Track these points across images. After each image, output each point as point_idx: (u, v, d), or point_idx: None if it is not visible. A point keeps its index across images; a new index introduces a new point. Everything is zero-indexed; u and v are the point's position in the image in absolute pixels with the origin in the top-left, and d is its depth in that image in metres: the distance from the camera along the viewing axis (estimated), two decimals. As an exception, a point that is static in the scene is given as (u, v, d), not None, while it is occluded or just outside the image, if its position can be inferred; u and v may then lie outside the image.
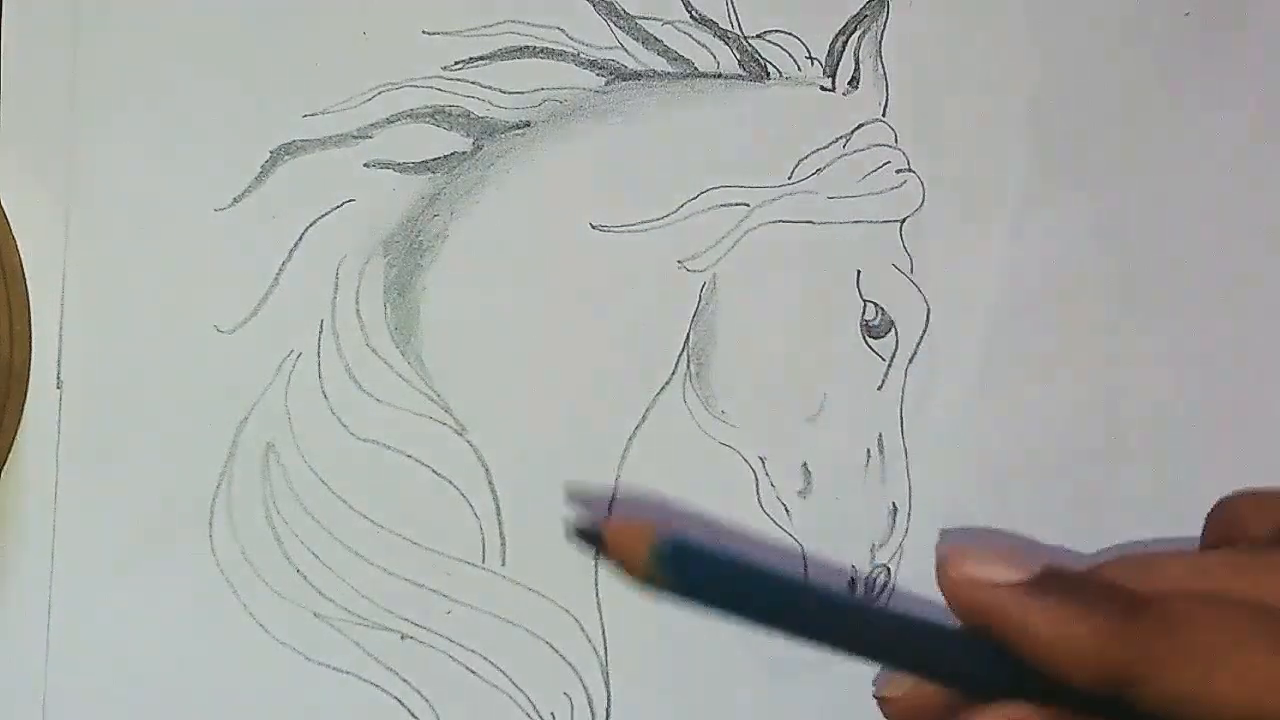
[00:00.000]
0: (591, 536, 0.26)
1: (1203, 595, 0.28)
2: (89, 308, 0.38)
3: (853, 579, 0.40)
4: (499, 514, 0.39)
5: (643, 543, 0.26)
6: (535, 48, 0.40)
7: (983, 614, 0.28)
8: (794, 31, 0.41)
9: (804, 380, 0.40)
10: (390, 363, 0.39)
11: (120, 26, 0.39)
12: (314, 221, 0.39)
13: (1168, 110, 0.42)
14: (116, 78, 0.39)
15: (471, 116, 0.40)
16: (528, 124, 0.40)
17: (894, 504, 0.41)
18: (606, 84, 0.40)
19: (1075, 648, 0.27)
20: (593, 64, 0.40)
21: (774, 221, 0.40)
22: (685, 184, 0.40)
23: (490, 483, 0.39)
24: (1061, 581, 0.28)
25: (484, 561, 0.39)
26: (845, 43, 0.41)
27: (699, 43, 0.40)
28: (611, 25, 0.40)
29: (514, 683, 0.39)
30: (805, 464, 0.40)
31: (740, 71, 0.40)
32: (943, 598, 0.28)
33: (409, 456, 0.39)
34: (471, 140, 0.40)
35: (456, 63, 0.40)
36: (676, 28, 0.40)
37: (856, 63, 0.41)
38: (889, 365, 0.41)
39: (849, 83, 0.41)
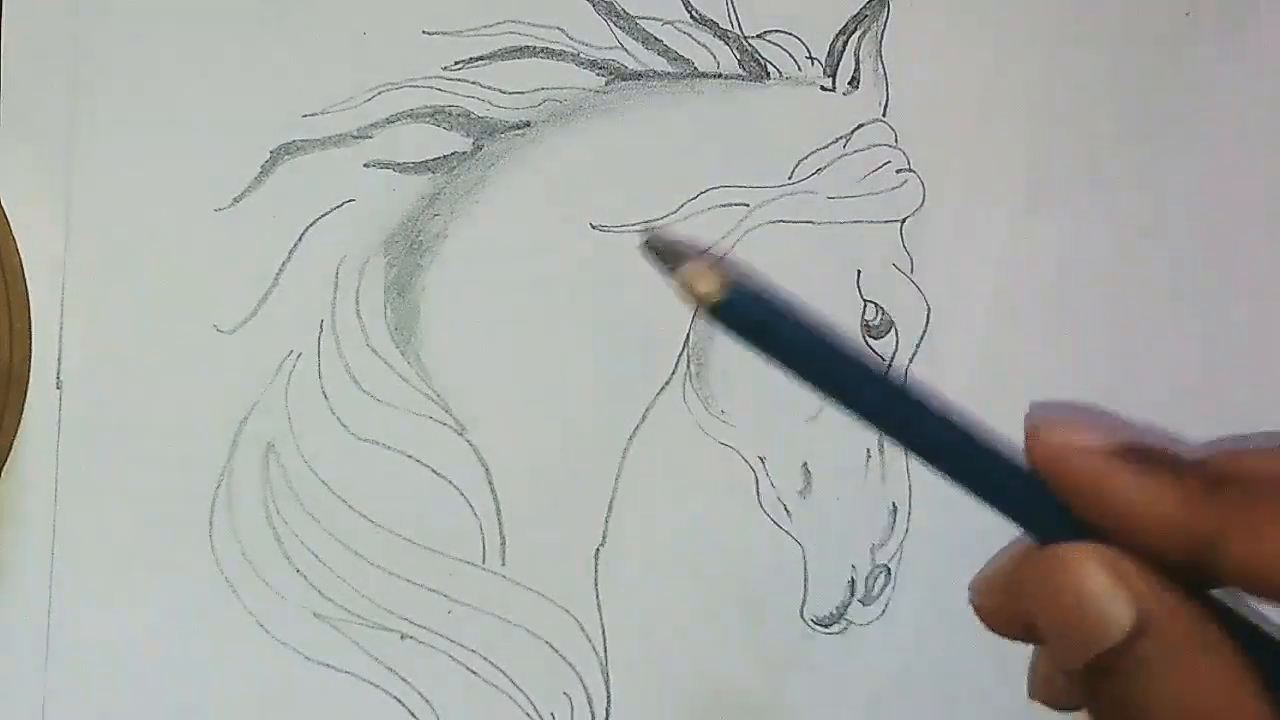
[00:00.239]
0: (666, 257, 0.27)
1: None
2: (89, 307, 0.38)
3: (852, 579, 0.40)
4: (499, 514, 0.39)
5: (713, 284, 0.27)
6: (535, 48, 0.40)
7: (1072, 478, 0.27)
8: (794, 31, 0.41)
9: (804, 380, 0.40)
10: (390, 363, 0.39)
11: (120, 26, 0.39)
12: (314, 221, 0.39)
13: (1168, 110, 0.42)
14: (116, 78, 0.39)
15: (471, 116, 0.40)
16: (528, 124, 0.40)
17: (894, 504, 0.41)
18: (607, 84, 0.40)
19: (1162, 513, 0.27)
20: (593, 64, 0.40)
21: (774, 221, 0.40)
22: (685, 184, 0.40)
23: (490, 483, 0.39)
24: (1149, 452, 0.28)
25: (484, 561, 0.39)
26: (845, 43, 0.41)
27: (699, 43, 0.40)
28: (611, 25, 0.40)
29: (514, 683, 0.39)
30: (805, 464, 0.40)
31: (740, 71, 0.40)
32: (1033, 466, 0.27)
33: (409, 456, 0.39)
34: (471, 140, 0.40)
35: (457, 63, 0.40)
36: (676, 28, 0.40)
37: (857, 63, 0.41)
38: (889, 365, 0.41)
39: (849, 83, 0.41)
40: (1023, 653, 0.29)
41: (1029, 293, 0.41)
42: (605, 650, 0.39)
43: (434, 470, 0.39)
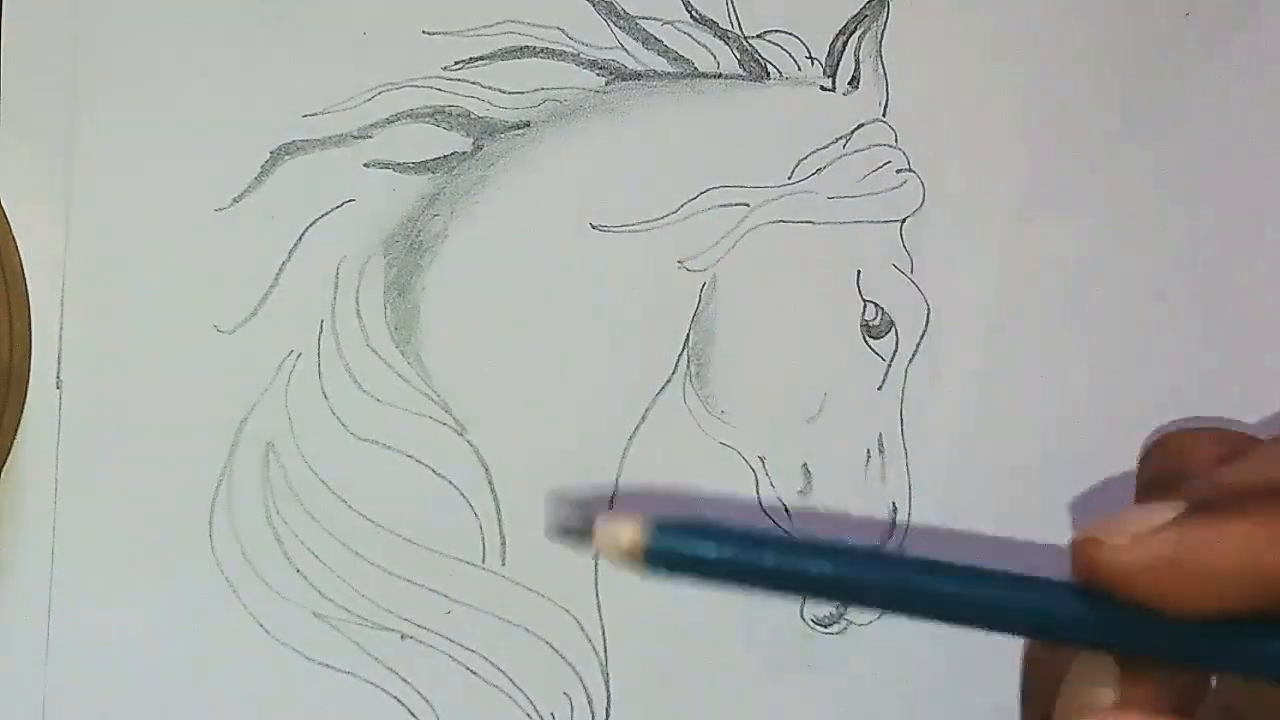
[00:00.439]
0: (581, 535, 0.26)
1: None
2: (89, 307, 0.38)
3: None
4: (499, 514, 0.39)
5: (633, 540, 0.25)
6: (535, 48, 0.40)
7: (1142, 582, 0.24)
8: (794, 31, 0.41)
9: (804, 380, 0.40)
10: (390, 363, 0.39)
11: (120, 26, 0.39)
12: (314, 221, 0.39)
13: (1168, 110, 0.42)
14: (116, 78, 0.39)
15: (471, 116, 0.40)
16: (528, 124, 0.40)
17: (894, 504, 0.41)
18: (607, 84, 0.40)
19: (1259, 564, 0.24)
20: (593, 64, 0.40)
21: (774, 221, 0.40)
22: (685, 184, 0.40)
23: (490, 483, 0.39)
24: (1215, 505, 0.24)
25: (484, 561, 0.39)
26: (845, 42, 0.41)
27: (699, 43, 0.40)
28: (611, 25, 0.40)
29: (514, 683, 0.39)
30: (805, 464, 0.40)
31: (740, 71, 0.40)
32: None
33: (409, 456, 0.39)
34: (471, 140, 0.40)
35: (456, 63, 0.40)
36: (676, 28, 0.40)
37: (857, 62, 0.41)
38: (889, 365, 0.41)
39: (849, 83, 0.41)
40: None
41: (1029, 293, 0.41)
42: (605, 650, 0.39)
43: (434, 470, 0.39)
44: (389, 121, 0.39)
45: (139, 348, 0.38)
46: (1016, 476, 0.41)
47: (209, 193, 0.39)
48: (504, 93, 0.40)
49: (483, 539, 0.39)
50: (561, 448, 0.39)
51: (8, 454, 0.37)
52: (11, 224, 0.38)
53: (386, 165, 0.39)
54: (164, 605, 0.38)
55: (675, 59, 0.40)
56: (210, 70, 0.39)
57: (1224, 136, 0.42)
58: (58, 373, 0.38)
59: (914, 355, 0.41)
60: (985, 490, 0.41)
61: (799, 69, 0.41)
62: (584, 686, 0.39)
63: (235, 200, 0.39)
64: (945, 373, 0.41)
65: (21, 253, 0.38)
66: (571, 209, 0.40)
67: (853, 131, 0.40)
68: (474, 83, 0.40)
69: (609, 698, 0.39)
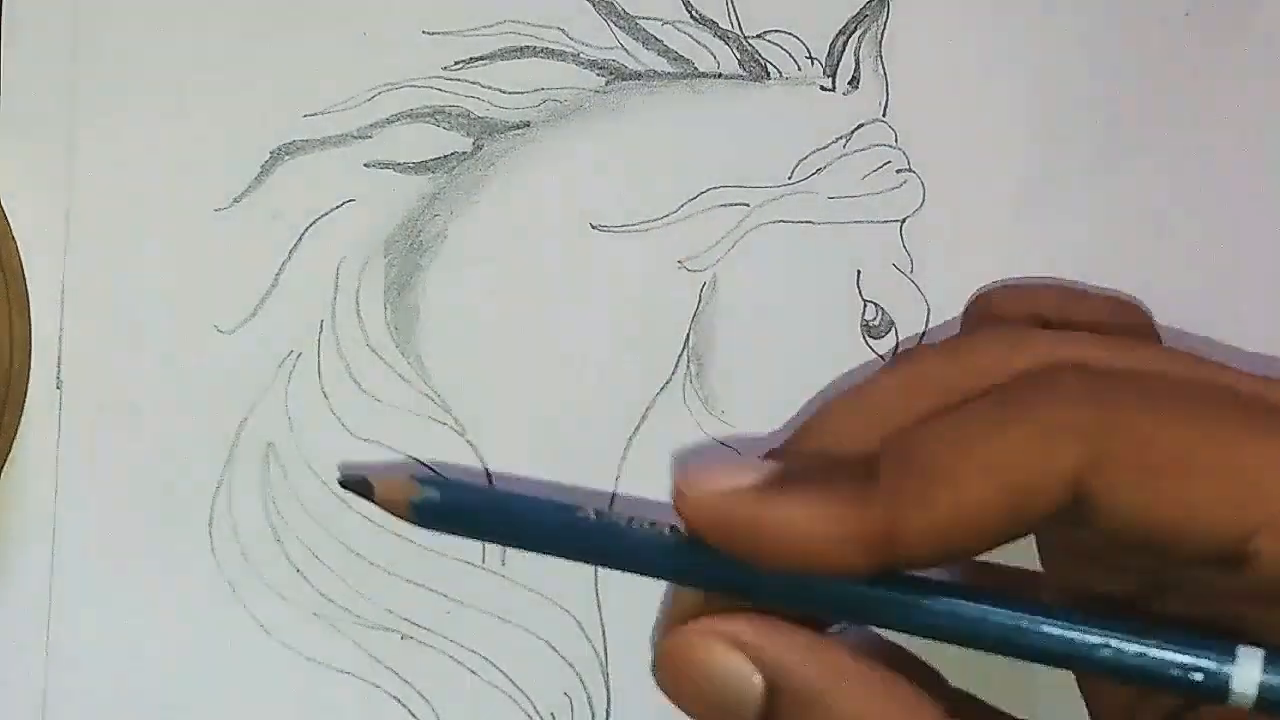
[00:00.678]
0: (359, 486, 0.30)
1: (930, 417, 0.26)
2: (89, 308, 0.38)
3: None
4: (499, 514, 0.39)
5: (405, 495, 0.29)
6: (535, 48, 0.40)
7: (725, 531, 0.26)
8: (794, 31, 0.41)
9: (804, 380, 0.40)
10: (390, 363, 0.39)
11: (120, 26, 0.39)
12: (314, 221, 0.39)
13: (1167, 111, 0.42)
14: (116, 78, 0.39)
15: (471, 116, 0.40)
16: (528, 124, 0.40)
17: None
18: (607, 84, 0.40)
19: (829, 531, 0.25)
20: (593, 64, 0.40)
21: (774, 221, 0.40)
22: (685, 184, 0.40)
23: (490, 483, 0.39)
24: (804, 469, 0.26)
25: (484, 561, 0.39)
26: (846, 42, 0.41)
27: (699, 43, 0.40)
28: (611, 25, 0.40)
29: (514, 683, 0.39)
30: (805, 464, 0.40)
31: (740, 71, 0.40)
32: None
33: (409, 456, 0.39)
34: (472, 140, 0.40)
35: (457, 63, 0.40)
36: (676, 28, 0.40)
37: (857, 62, 0.41)
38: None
39: (849, 83, 0.41)
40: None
41: (1029, 293, 0.41)
42: (605, 650, 0.39)
43: (434, 470, 0.39)
44: (389, 121, 0.39)
45: (139, 348, 0.38)
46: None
47: (209, 192, 0.39)
48: (504, 93, 0.40)
49: (483, 539, 0.39)
50: (561, 448, 0.39)
51: (8, 454, 0.37)
52: (11, 224, 0.38)
53: (387, 165, 0.39)
54: (164, 605, 0.38)
55: (675, 59, 0.40)
56: (210, 70, 0.39)
57: (1224, 137, 0.42)
58: (58, 373, 0.38)
59: (914, 355, 0.41)
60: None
61: (799, 69, 0.41)
62: (584, 686, 0.39)
63: (235, 200, 0.39)
64: (945, 373, 0.41)
65: (21, 253, 0.38)
66: (571, 209, 0.40)
67: (853, 131, 0.40)
68: (474, 83, 0.40)
69: (609, 698, 0.39)
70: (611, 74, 0.40)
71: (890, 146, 0.41)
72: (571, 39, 0.40)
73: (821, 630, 0.27)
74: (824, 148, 0.40)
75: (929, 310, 0.41)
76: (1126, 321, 0.31)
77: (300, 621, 0.38)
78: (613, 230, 0.40)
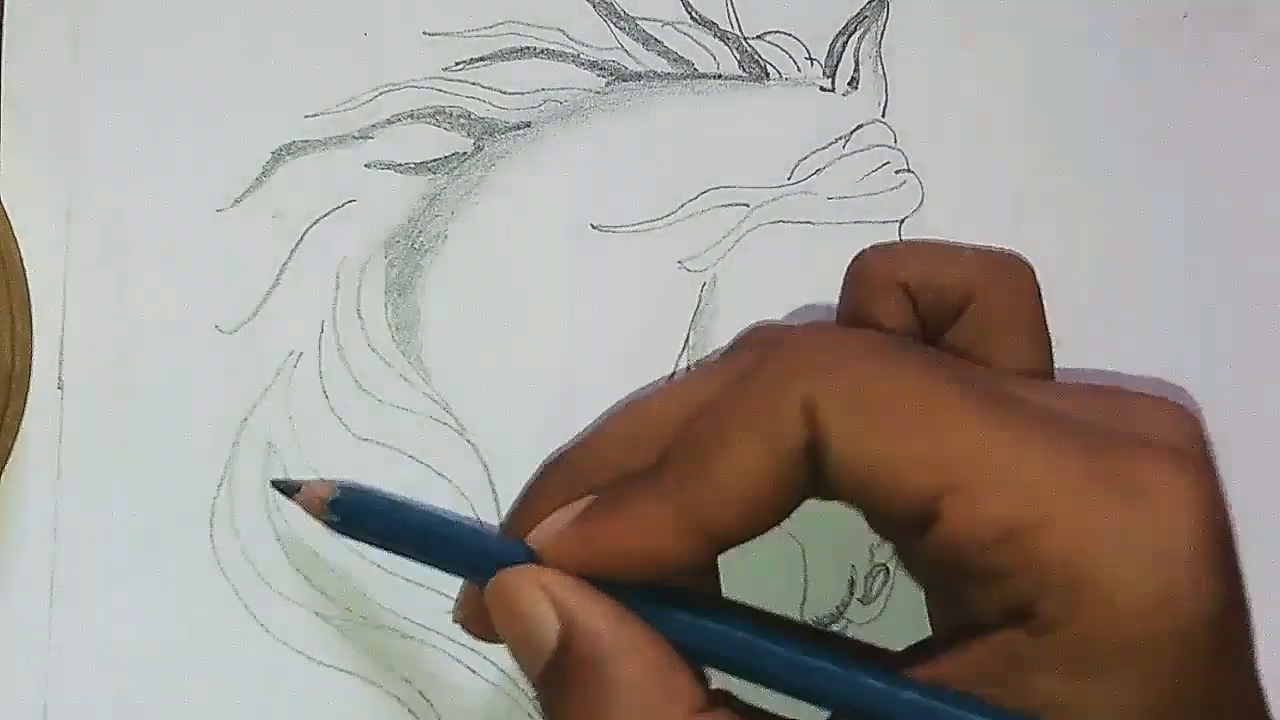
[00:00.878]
0: (287, 489, 0.32)
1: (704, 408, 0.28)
2: (90, 308, 0.38)
3: (852, 579, 0.40)
4: (499, 514, 0.39)
5: (323, 496, 0.31)
6: (536, 48, 0.40)
7: (573, 562, 0.28)
8: (793, 32, 0.41)
9: (804, 380, 0.40)
10: (391, 363, 0.39)
11: (120, 27, 0.39)
12: (315, 222, 0.39)
13: (1167, 111, 0.42)
14: (116, 78, 0.39)
15: (472, 117, 0.40)
16: (528, 124, 0.40)
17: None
18: (607, 84, 0.40)
19: (645, 529, 0.28)
20: (593, 65, 0.40)
21: (774, 221, 0.40)
22: (685, 184, 0.40)
23: (490, 483, 0.39)
24: (605, 493, 0.29)
25: (484, 561, 0.39)
26: (845, 43, 0.41)
27: (699, 43, 0.40)
28: (612, 26, 0.40)
29: (514, 682, 0.39)
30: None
31: (740, 72, 0.40)
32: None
33: (409, 456, 0.39)
34: (472, 141, 0.40)
35: (457, 63, 0.40)
36: (676, 29, 0.40)
37: (856, 63, 0.41)
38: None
39: (849, 83, 0.41)
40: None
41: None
42: (605, 650, 0.39)
43: (434, 470, 0.39)
44: (390, 122, 0.39)
45: (140, 348, 0.38)
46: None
47: (210, 193, 0.39)
48: (504, 93, 0.40)
49: (483, 539, 0.39)
50: (561, 447, 0.39)
51: (9, 455, 0.37)
52: (13, 225, 0.38)
53: (388, 166, 0.39)
54: (165, 605, 0.38)
55: (675, 60, 0.40)
56: (211, 71, 0.39)
57: (1223, 137, 0.42)
58: (59, 374, 0.38)
59: (914, 355, 0.41)
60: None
61: (798, 70, 0.41)
62: (584, 686, 0.39)
63: (236, 201, 0.39)
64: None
65: (23, 253, 0.38)
66: (572, 209, 0.40)
67: (852, 132, 0.41)
68: (475, 83, 0.40)
69: (609, 697, 0.39)
70: (612, 75, 0.40)
71: (889, 147, 0.41)
72: (572, 40, 0.40)
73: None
74: (823, 148, 0.40)
75: (929, 310, 0.41)
76: (1003, 278, 0.32)
77: (301, 621, 0.38)
78: (613, 230, 0.40)
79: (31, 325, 0.38)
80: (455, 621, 0.32)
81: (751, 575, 0.40)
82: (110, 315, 0.38)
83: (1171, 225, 0.41)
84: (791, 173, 0.40)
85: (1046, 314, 0.33)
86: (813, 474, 0.28)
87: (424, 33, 0.40)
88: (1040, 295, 0.32)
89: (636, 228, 0.40)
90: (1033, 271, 0.33)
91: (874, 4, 0.41)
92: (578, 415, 0.39)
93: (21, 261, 0.38)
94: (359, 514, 0.32)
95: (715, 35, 0.40)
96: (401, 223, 0.39)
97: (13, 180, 0.38)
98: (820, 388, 0.27)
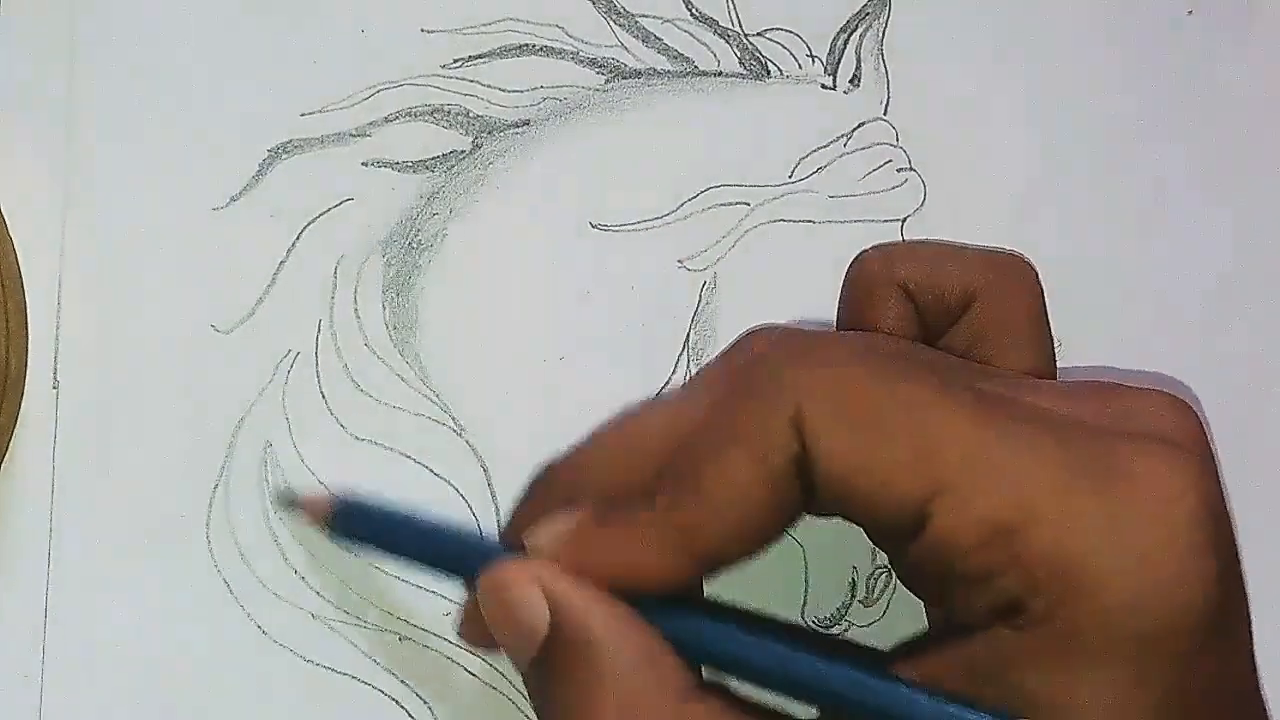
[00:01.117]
0: (289, 501, 0.35)
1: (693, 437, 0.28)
2: (85, 307, 0.38)
3: (853, 580, 0.40)
4: (499, 514, 0.39)
5: (325, 508, 0.33)
6: (535, 46, 0.40)
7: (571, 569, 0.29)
8: (795, 29, 0.40)
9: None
10: (388, 362, 0.39)
11: (117, 26, 0.39)
12: (312, 220, 0.39)
13: (1168, 110, 0.41)
14: (114, 77, 0.39)
15: (470, 115, 0.40)
16: (527, 122, 0.40)
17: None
18: (606, 82, 0.40)
19: (639, 548, 0.28)
20: (592, 62, 0.40)
21: (774, 221, 0.40)
22: (685, 183, 0.40)
23: (490, 483, 0.39)
24: (600, 510, 0.29)
25: (483, 562, 0.39)
26: (847, 41, 0.41)
27: (699, 41, 0.40)
28: (611, 23, 0.40)
29: (513, 683, 0.39)
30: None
31: (741, 69, 0.40)
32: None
33: (407, 456, 0.39)
34: (470, 139, 0.40)
35: (455, 61, 0.40)
36: (676, 26, 0.40)
37: (858, 61, 0.41)
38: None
39: (850, 81, 0.41)
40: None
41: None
42: (605, 652, 0.39)
43: (433, 470, 0.39)
44: (388, 120, 0.39)
45: (136, 348, 0.38)
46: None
47: (206, 192, 0.39)
48: (503, 91, 0.40)
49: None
50: (561, 448, 0.39)
51: (4, 455, 0.37)
52: (8, 224, 0.38)
53: (385, 164, 0.39)
54: (161, 606, 0.38)
55: (675, 57, 0.40)
56: (208, 69, 0.39)
57: (1225, 136, 0.42)
58: (54, 373, 0.38)
59: (915, 355, 0.41)
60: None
61: (800, 67, 0.41)
62: (583, 688, 0.39)
63: (233, 199, 0.39)
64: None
65: (18, 252, 0.38)
66: (571, 208, 0.40)
67: (854, 130, 0.40)
68: (473, 81, 0.40)
69: (609, 699, 0.39)
70: (611, 72, 0.40)
71: (891, 145, 0.40)
72: (571, 37, 0.40)
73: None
74: (825, 146, 0.40)
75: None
76: (1004, 278, 0.31)
77: (298, 622, 0.38)
78: (613, 230, 0.40)
79: (27, 325, 0.38)
80: (460, 635, 0.33)
81: (752, 577, 0.40)
82: (106, 315, 0.38)
83: (1173, 225, 0.41)
84: (792, 171, 0.40)
85: (1048, 314, 0.33)
86: (803, 489, 0.28)
87: (422, 30, 0.40)
88: (1042, 296, 0.32)
89: (636, 227, 0.40)
90: (1035, 272, 0.32)
91: (876, 1, 0.41)
92: (576, 415, 0.39)
93: (17, 261, 0.38)
94: (360, 523, 0.33)
95: (716, 32, 0.40)
96: (399, 221, 0.39)
97: (9, 179, 0.38)
98: (805, 398, 0.27)
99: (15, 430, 0.37)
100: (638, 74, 0.40)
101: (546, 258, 0.39)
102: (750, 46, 0.40)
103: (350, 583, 0.38)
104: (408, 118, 0.39)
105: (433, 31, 0.40)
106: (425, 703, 0.38)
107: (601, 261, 0.40)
